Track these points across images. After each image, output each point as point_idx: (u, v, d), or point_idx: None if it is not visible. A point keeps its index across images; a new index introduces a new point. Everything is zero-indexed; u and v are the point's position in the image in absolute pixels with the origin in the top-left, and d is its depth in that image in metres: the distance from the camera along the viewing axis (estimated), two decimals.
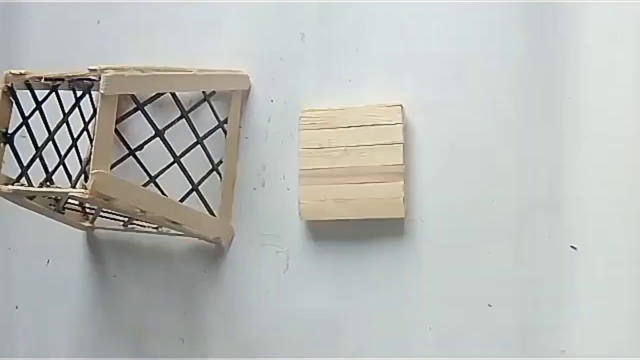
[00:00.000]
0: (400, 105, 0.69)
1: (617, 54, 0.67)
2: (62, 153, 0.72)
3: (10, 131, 0.70)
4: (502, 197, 0.70)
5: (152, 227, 0.76)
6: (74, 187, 0.66)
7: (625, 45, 0.67)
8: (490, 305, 0.68)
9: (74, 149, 0.73)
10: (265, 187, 0.76)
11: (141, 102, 0.73)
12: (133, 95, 0.71)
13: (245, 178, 0.76)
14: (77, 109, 0.71)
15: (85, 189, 0.63)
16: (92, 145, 0.68)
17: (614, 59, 0.67)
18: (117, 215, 0.74)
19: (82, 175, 0.67)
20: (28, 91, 0.70)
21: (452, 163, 0.71)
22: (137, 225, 0.77)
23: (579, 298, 0.68)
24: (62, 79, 0.70)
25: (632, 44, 0.67)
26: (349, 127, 0.71)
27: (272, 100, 0.77)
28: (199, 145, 0.77)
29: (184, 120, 0.77)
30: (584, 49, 0.68)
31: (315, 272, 0.73)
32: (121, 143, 0.74)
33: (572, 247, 0.68)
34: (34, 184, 0.69)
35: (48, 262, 0.78)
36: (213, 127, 0.79)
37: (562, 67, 0.69)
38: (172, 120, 0.77)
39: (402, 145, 0.69)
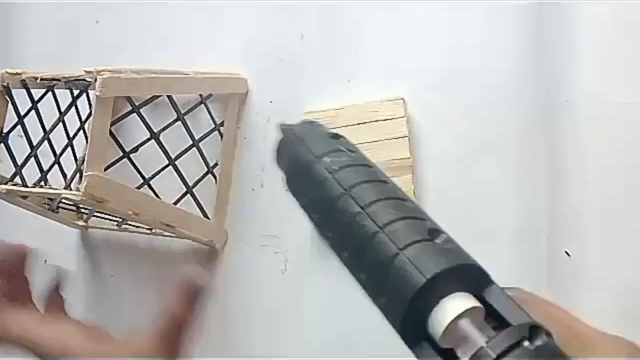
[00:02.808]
0: (402, 99, 0.70)
1: (613, 58, 0.68)
2: (57, 152, 0.71)
3: (5, 130, 0.70)
4: (501, 199, 0.70)
5: (146, 229, 0.76)
6: (67, 187, 0.66)
7: (622, 49, 0.68)
8: None
9: (69, 149, 0.73)
10: (264, 188, 0.75)
11: (137, 104, 0.73)
12: (129, 97, 0.71)
13: (244, 179, 0.75)
14: (73, 108, 0.71)
15: (79, 190, 0.63)
16: (87, 147, 0.68)
17: (610, 62, 0.68)
18: (110, 215, 0.74)
19: (77, 176, 0.67)
20: (24, 90, 0.70)
21: (451, 166, 0.72)
22: (131, 225, 0.76)
23: (576, 300, 0.69)
24: (58, 80, 0.70)
25: (628, 48, 0.68)
26: (352, 125, 0.71)
27: (271, 101, 0.78)
28: (194, 148, 0.77)
29: (179, 122, 0.77)
30: (580, 52, 0.69)
31: (314, 273, 0.72)
32: (116, 145, 0.74)
33: (566, 252, 0.68)
34: (28, 184, 0.69)
35: (45, 262, 0.77)
36: (209, 130, 0.79)
37: (559, 71, 0.70)
38: (168, 122, 0.76)
39: (407, 138, 0.69)
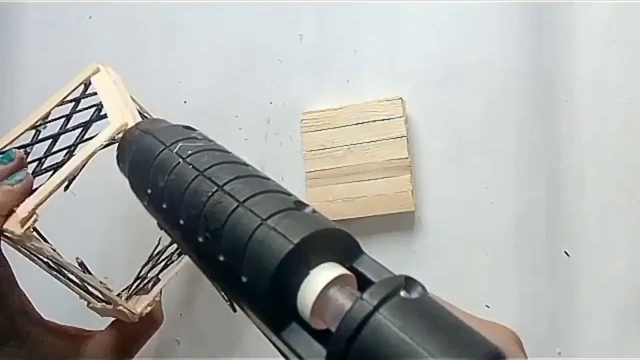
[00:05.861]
0: (400, 99, 0.69)
1: (611, 57, 0.68)
2: None
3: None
4: (500, 199, 0.70)
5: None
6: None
7: (621, 49, 0.68)
8: (488, 307, 0.69)
9: None
10: None
11: None
12: None
13: None
14: None
15: (132, 311, 0.60)
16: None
17: (608, 62, 0.68)
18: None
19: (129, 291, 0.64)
20: None
21: (450, 166, 0.72)
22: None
23: (575, 300, 0.69)
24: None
25: (628, 48, 0.68)
26: (350, 125, 0.71)
27: (271, 102, 0.78)
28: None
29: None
30: (580, 52, 0.69)
31: None
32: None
33: (565, 253, 0.68)
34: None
35: None
36: None
37: (558, 71, 0.70)
38: None
39: (405, 138, 0.68)
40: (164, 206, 0.39)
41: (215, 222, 0.34)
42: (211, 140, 0.45)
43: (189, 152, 0.40)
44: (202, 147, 0.41)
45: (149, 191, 0.41)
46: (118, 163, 0.51)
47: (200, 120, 0.80)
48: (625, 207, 0.67)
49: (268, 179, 0.38)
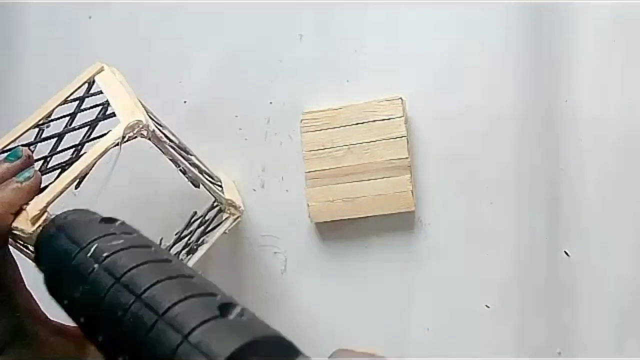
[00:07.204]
0: (400, 99, 0.70)
1: (611, 58, 0.68)
2: None
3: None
4: (499, 199, 0.70)
5: None
6: None
7: (621, 49, 0.68)
8: (488, 307, 0.69)
9: None
10: (265, 189, 0.76)
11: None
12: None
13: (245, 179, 0.76)
14: None
15: None
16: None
17: (608, 62, 0.68)
18: None
19: None
20: None
21: (449, 166, 0.72)
22: None
23: (575, 300, 0.69)
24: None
25: (628, 48, 0.68)
26: (350, 125, 0.71)
27: (271, 102, 0.78)
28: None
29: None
30: (580, 52, 0.69)
31: (313, 273, 0.72)
32: None
33: (565, 253, 0.68)
34: None
35: None
36: None
37: (558, 71, 0.70)
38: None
39: (405, 138, 0.69)
40: (82, 320, 0.36)
41: (133, 340, 0.32)
42: (132, 233, 0.41)
43: (105, 254, 0.37)
44: (120, 247, 0.37)
45: (66, 302, 0.38)
46: (37, 263, 0.45)
47: (200, 120, 0.81)
48: (625, 207, 0.67)
49: (192, 275, 0.36)
